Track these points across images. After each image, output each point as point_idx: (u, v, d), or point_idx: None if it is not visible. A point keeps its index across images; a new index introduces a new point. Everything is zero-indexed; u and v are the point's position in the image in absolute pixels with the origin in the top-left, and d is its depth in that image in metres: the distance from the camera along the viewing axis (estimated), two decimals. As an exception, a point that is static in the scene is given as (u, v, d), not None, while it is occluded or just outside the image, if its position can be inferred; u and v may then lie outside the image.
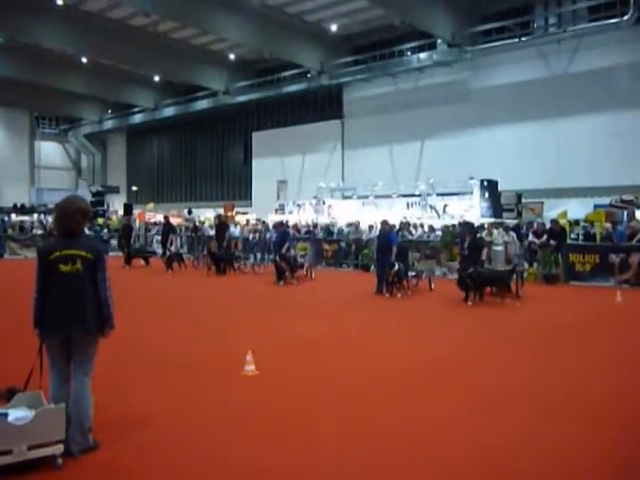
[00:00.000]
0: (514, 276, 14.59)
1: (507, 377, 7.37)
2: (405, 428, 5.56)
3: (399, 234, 21.61)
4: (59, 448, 4.62)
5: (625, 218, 21.15)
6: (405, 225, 23.25)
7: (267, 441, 5.22)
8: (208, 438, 5.30)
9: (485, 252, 14.80)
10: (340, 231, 26.61)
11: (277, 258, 18.04)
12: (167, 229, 23.97)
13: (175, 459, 4.87)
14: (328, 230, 26.77)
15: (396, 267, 14.79)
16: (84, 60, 40.63)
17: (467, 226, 15.87)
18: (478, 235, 16.85)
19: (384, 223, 16.62)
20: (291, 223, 29.90)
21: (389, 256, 15.08)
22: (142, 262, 23.52)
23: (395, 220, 24.33)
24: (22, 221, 37.24)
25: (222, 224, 23.20)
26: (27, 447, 4.49)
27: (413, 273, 16.49)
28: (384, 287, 15.18)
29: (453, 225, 22.61)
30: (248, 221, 31.14)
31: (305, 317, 11.97)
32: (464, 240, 14.80)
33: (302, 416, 5.90)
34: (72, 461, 4.71)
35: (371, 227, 23.99)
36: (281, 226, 19.91)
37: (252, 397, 6.48)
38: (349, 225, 26.80)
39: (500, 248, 15.97)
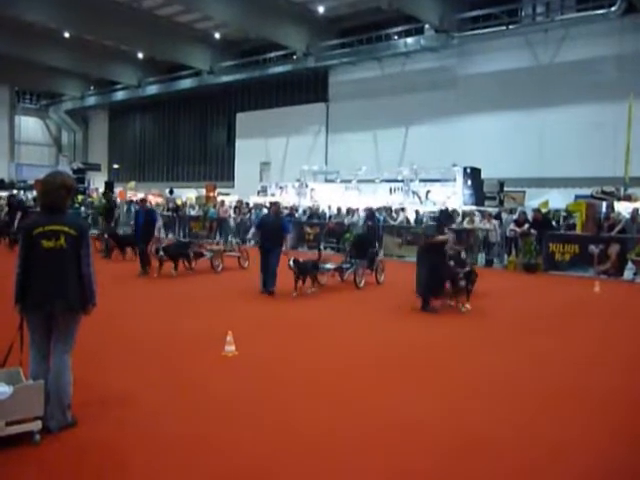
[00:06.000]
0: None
1: (482, 369, 7.43)
2: (383, 416, 5.58)
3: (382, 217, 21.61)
4: (37, 424, 4.60)
5: (605, 209, 21.29)
6: (387, 210, 23.36)
7: (243, 423, 5.23)
8: (186, 418, 5.30)
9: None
10: (323, 214, 26.51)
11: (143, 245, 14.84)
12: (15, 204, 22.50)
13: (153, 438, 4.87)
14: (317, 214, 26.38)
15: (291, 262, 11.87)
16: (67, 35, 40.00)
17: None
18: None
19: (274, 205, 13.67)
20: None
21: (278, 246, 12.23)
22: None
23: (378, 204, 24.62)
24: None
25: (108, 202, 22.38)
26: (5, 423, 4.47)
27: (331, 266, 13.42)
28: (297, 285, 12.28)
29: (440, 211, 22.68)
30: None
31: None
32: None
33: (279, 399, 5.90)
34: (50, 438, 4.69)
35: (353, 211, 24.16)
36: (143, 203, 16.56)
37: (231, 378, 6.48)
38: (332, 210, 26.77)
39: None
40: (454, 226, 17.80)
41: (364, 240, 14.45)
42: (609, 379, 6.87)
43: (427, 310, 10.64)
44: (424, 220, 22.72)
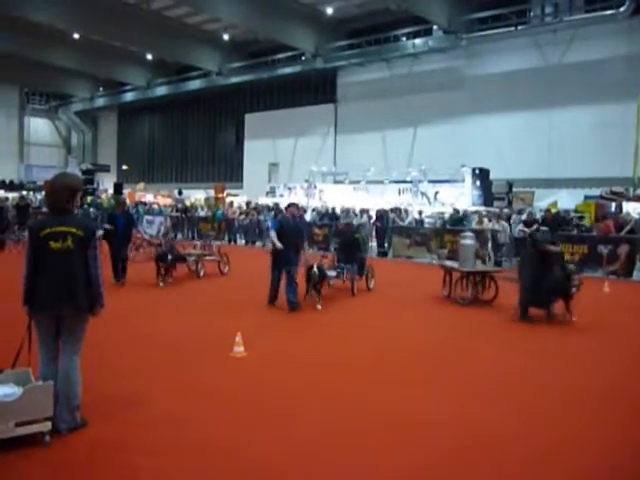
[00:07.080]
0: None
1: (486, 368, 7.42)
2: (394, 414, 5.58)
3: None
4: (47, 425, 4.62)
5: (614, 210, 21.20)
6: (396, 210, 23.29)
7: (251, 424, 5.24)
8: (195, 418, 5.32)
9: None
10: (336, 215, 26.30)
11: (124, 251, 13.57)
12: None
13: (162, 438, 4.88)
14: (334, 215, 25.47)
15: (315, 269, 10.78)
16: (76, 36, 40.11)
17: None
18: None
19: (293, 206, 11.93)
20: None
21: (297, 253, 11.05)
22: None
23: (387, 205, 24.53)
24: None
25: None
26: (14, 424, 4.49)
27: (333, 273, 12.33)
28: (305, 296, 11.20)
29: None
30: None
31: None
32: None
33: (288, 401, 5.91)
34: (60, 438, 4.71)
35: (365, 212, 24.08)
36: (122, 207, 14.99)
37: (240, 379, 6.49)
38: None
39: (469, 242, 12.47)
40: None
41: (352, 243, 13.60)
42: (613, 379, 6.85)
43: (527, 319, 10.12)
44: (426, 221, 22.73)
